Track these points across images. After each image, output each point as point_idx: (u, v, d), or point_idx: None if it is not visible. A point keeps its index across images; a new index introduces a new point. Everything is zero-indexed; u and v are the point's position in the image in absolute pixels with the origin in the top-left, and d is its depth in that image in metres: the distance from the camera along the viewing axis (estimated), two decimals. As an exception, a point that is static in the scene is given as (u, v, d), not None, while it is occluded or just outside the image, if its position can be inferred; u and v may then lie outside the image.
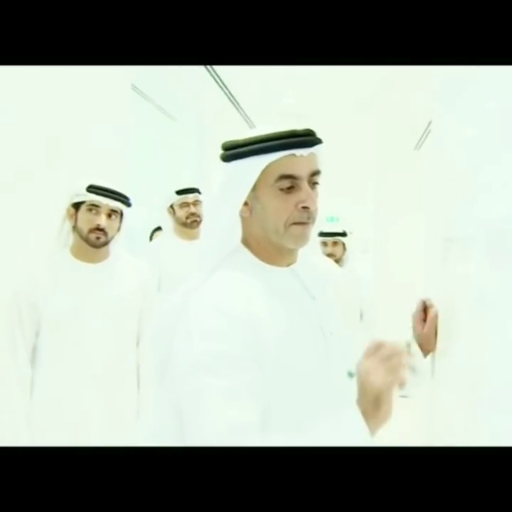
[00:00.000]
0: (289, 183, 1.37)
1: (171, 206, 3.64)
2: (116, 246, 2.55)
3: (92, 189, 2.40)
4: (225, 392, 1.25)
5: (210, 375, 1.25)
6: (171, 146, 5.94)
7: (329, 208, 3.81)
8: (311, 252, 1.64)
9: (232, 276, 1.40)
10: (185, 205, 3.59)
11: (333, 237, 4.29)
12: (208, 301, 1.33)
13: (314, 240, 2.87)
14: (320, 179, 1.45)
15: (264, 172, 1.36)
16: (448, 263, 2.14)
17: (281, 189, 1.38)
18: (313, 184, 1.42)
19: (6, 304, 2.42)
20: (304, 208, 1.37)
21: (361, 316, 4.38)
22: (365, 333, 3.91)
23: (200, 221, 3.65)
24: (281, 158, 1.36)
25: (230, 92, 5.73)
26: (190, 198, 3.61)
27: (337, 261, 4.19)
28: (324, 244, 4.27)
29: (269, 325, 1.33)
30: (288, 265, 1.48)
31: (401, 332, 1.99)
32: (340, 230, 4.33)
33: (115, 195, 2.45)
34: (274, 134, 1.37)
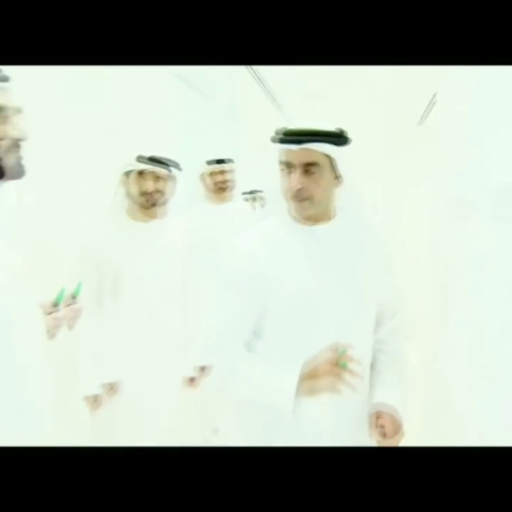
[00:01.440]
0: (286, 168, 1.66)
1: (202, 175, 3.82)
2: (166, 206, 2.70)
3: (140, 159, 2.56)
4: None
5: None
6: (206, 124, 6.06)
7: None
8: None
9: (267, 225, 1.83)
10: (214, 173, 3.79)
11: None
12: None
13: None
14: (321, 168, 1.64)
15: (279, 157, 1.68)
16: (453, 222, 2.20)
17: (283, 171, 1.67)
18: (306, 172, 1.63)
19: (75, 261, 2.57)
20: (292, 188, 1.64)
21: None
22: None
23: (229, 187, 3.87)
24: (282, 149, 1.65)
25: (260, 79, 5.85)
26: (218, 167, 3.78)
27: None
28: None
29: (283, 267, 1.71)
30: (314, 224, 1.75)
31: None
32: None
33: (159, 163, 2.59)
34: (281, 129, 1.65)
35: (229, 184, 3.75)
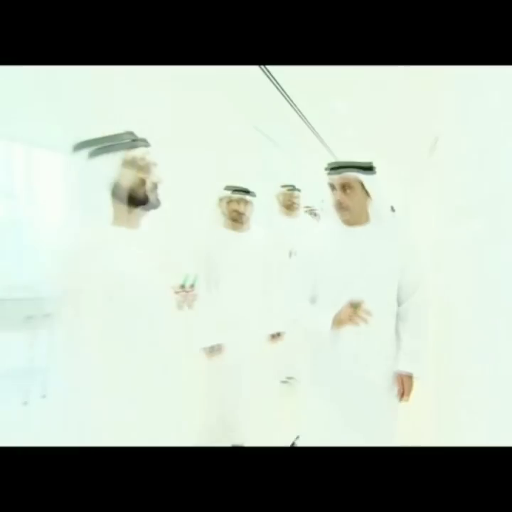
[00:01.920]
0: (332, 189, 1.95)
1: (278, 195, 4.06)
2: (249, 220, 2.84)
3: (231, 190, 2.75)
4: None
5: None
6: (278, 163, 6.21)
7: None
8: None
9: (322, 227, 2.11)
10: (287, 195, 4.03)
11: None
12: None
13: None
14: (353, 189, 1.89)
15: (328, 182, 1.96)
16: (459, 223, 2.20)
17: (331, 191, 1.97)
18: (344, 191, 1.91)
19: (193, 259, 2.70)
20: (336, 202, 1.94)
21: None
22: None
23: (296, 204, 4.00)
24: (329, 176, 1.95)
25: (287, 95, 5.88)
26: (289, 191, 4.05)
27: None
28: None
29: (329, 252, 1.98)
30: (354, 226, 1.98)
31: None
32: None
33: (244, 192, 2.77)
34: (329, 164, 1.93)
35: (296, 203, 4.06)
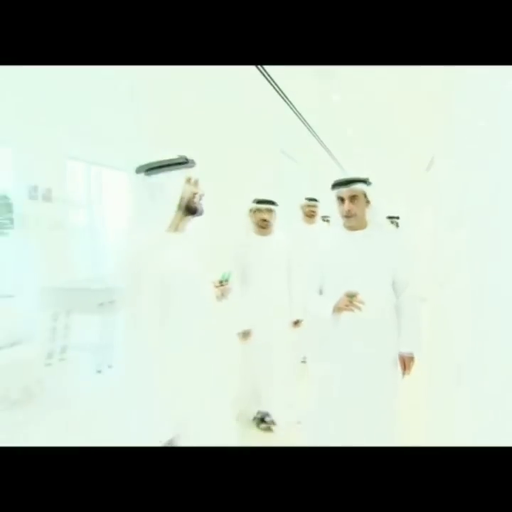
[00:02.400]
0: (341, 201, 1.94)
1: (302, 206, 4.02)
2: (273, 226, 2.80)
3: (257, 201, 2.76)
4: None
5: None
6: (299, 180, 6.20)
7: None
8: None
9: (331, 232, 2.08)
10: (308, 206, 3.99)
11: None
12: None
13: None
14: (359, 200, 1.91)
15: (336, 195, 1.95)
16: (452, 230, 2.17)
17: (339, 202, 1.96)
18: (352, 200, 1.91)
19: (229, 258, 2.71)
20: (345, 212, 1.92)
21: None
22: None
23: (315, 213, 3.96)
24: (338, 190, 1.94)
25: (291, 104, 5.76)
26: (311, 203, 4.00)
27: None
28: None
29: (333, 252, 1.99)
30: (355, 230, 1.97)
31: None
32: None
33: (269, 203, 2.76)
34: (337, 180, 1.93)
35: (315, 212, 4.03)
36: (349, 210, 1.91)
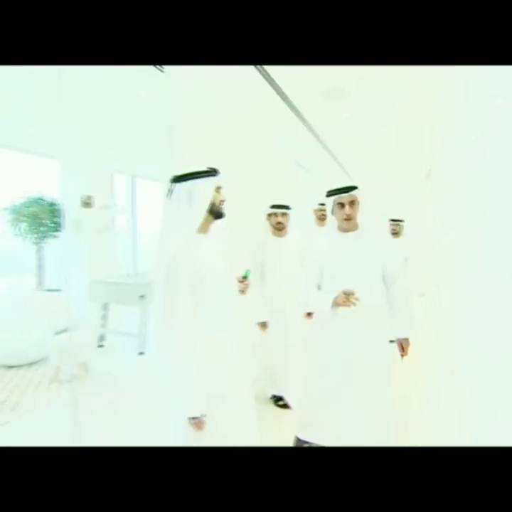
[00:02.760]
0: (341, 206, 1.92)
1: (315, 210, 3.96)
2: (287, 228, 2.79)
3: (273, 206, 2.76)
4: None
5: None
6: (314, 188, 6.15)
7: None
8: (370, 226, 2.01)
9: (327, 233, 2.04)
10: (320, 210, 3.91)
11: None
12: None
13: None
14: (356, 204, 1.92)
15: (336, 201, 1.93)
16: (448, 233, 2.15)
17: (339, 207, 1.94)
18: (351, 205, 1.91)
19: (249, 257, 2.71)
20: (346, 215, 1.91)
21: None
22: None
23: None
24: (338, 196, 1.93)
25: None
26: (322, 207, 3.91)
27: None
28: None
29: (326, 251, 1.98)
30: (348, 232, 1.98)
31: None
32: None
33: (284, 207, 2.75)
34: (338, 188, 1.93)
35: (326, 216, 3.97)
36: (350, 214, 1.92)
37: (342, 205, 1.94)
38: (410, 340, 2.01)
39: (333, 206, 1.98)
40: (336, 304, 1.89)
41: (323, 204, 3.96)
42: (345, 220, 1.94)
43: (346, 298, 1.83)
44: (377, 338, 1.96)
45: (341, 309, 1.90)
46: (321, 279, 2.04)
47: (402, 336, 2.00)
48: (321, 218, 3.97)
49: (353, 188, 1.92)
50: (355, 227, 2.00)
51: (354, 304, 1.82)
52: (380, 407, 1.93)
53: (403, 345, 2.01)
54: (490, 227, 1.25)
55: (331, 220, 2.03)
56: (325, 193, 1.99)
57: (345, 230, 2.00)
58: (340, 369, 1.96)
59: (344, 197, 1.92)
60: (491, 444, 0.93)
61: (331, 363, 1.98)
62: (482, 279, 1.29)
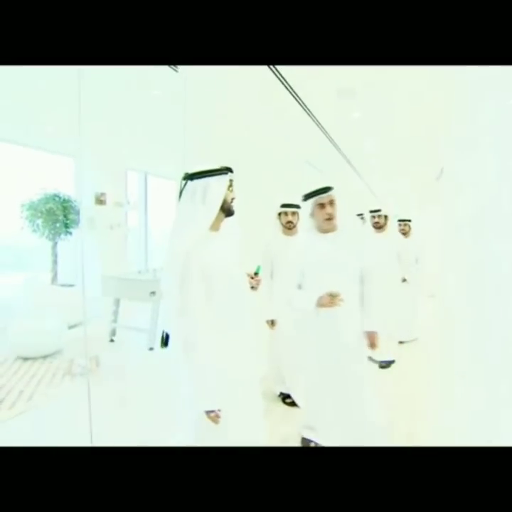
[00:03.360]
0: (322, 206, 1.95)
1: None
2: (297, 227, 2.79)
3: (283, 205, 2.78)
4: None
5: None
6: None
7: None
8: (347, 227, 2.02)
9: (307, 234, 2.05)
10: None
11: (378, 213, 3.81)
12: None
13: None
14: (335, 203, 1.95)
15: (316, 201, 1.97)
16: (454, 233, 2.18)
17: (319, 208, 1.97)
18: (331, 205, 1.94)
19: (260, 254, 2.71)
20: (328, 215, 1.93)
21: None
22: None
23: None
24: (319, 197, 1.96)
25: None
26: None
27: (381, 227, 3.69)
28: (373, 217, 3.82)
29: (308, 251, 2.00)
30: (328, 233, 2.01)
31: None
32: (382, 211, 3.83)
33: (294, 207, 2.77)
34: (317, 189, 1.96)
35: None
36: (331, 213, 1.95)
37: (322, 205, 1.97)
38: (419, 340, 2.02)
39: (313, 208, 2.00)
40: (320, 304, 1.92)
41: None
42: (327, 219, 1.97)
43: (331, 299, 1.87)
44: (356, 335, 2.01)
45: (323, 309, 1.94)
46: (303, 279, 2.07)
47: (370, 329, 2.02)
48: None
49: (331, 188, 1.97)
50: (334, 228, 2.03)
51: (339, 305, 1.87)
52: (365, 404, 1.97)
53: (370, 338, 2.03)
54: (501, 229, 1.24)
55: (310, 222, 2.06)
56: (301, 198, 2.02)
57: (325, 231, 2.03)
58: (326, 368, 2.02)
59: (324, 197, 1.97)
60: (500, 444, 0.95)
61: (317, 363, 2.04)
62: (493, 281, 1.26)
